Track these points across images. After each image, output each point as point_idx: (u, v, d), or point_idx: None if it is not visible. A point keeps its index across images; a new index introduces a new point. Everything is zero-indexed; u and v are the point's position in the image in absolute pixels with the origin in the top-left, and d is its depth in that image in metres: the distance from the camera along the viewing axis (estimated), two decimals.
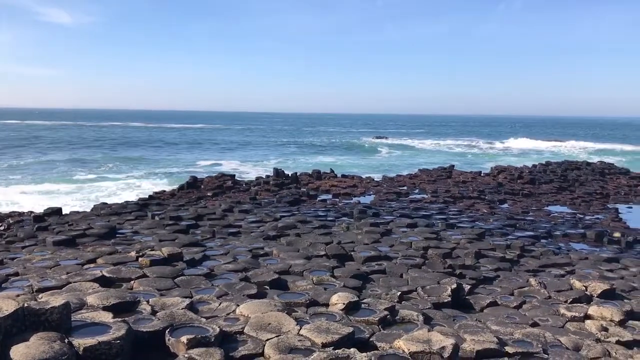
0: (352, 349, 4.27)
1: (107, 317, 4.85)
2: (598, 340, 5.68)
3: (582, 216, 15.20)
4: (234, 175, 21.44)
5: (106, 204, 14.88)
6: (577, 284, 7.76)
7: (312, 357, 4.14)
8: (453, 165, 25.69)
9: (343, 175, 22.52)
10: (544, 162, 26.95)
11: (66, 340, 4.06)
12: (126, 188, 26.02)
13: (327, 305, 6.06)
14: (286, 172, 21.49)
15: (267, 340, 4.62)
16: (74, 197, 23.30)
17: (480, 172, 24.27)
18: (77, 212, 13.54)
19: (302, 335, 4.69)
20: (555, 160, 28.51)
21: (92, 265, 7.75)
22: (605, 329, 5.97)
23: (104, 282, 6.73)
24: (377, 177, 23.86)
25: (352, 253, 9.15)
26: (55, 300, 4.47)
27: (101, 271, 7.03)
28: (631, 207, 17.47)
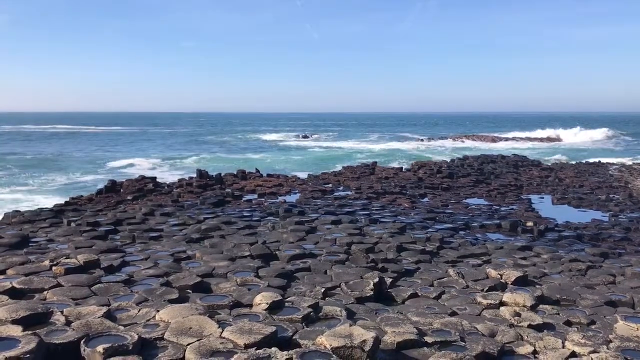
0: (273, 349, 4.26)
1: (16, 330, 4.61)
2: (511, 326, 5.96)
3: (497, 207, 15.91)
4: (155, 177, 20.87)
5: (18, 211, 14.10)
6: (493, 273, 8.12)
7: (233, 358, 4.10)
8: (376, 162, 26.17)
9: (269, 175, 22.44)
10: (461, 157, 27.95)
11: None
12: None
13: (250, 305, 6.03)
14: (210, 172, 21.14)
15: (188, 344, 4.53)
16: None
17: (402, 167, 24.86)
18: None
19: (224, 337, 4.63)
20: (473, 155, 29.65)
21: (1, 276, 7.33)
22: (518, 314, 6.27)
23: (14, 294, 6.37)
24: (302, 175, 23.96)
25: (276, 252, 9.15)
26: None
27: (11, 282, 6.66)
28: (543, 197, 18.48)
